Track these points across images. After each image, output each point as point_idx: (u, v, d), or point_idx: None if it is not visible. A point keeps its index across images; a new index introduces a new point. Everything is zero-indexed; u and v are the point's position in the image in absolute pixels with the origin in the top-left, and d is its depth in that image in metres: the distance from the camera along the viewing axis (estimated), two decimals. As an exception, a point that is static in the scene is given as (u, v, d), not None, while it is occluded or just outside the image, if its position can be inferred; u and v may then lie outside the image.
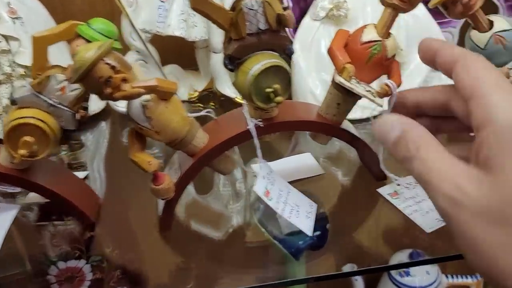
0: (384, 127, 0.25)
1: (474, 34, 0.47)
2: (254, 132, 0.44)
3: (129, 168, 0.61)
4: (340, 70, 0.42)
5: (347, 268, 0.43)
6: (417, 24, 0.65)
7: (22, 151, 0.40)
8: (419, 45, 0.27)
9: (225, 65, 0.41)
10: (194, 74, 0.76)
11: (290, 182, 0.52)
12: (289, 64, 0.40)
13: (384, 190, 0.50)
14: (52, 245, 0.48)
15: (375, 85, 0.45)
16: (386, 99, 0.45)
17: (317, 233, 0.46)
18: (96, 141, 0.71)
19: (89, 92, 0.41)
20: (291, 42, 0.41)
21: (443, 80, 0.68)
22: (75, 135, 0.68)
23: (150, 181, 0.43)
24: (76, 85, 0.42)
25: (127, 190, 0.58)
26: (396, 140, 0.24)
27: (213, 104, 0.75)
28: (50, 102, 0.41)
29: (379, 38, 0.42)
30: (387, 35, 0.43)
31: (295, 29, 0.67)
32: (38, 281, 0.44)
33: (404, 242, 0.48)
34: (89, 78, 0.37)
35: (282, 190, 0.46)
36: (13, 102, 0.41)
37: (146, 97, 0.40)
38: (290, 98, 0.66)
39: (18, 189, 0.49)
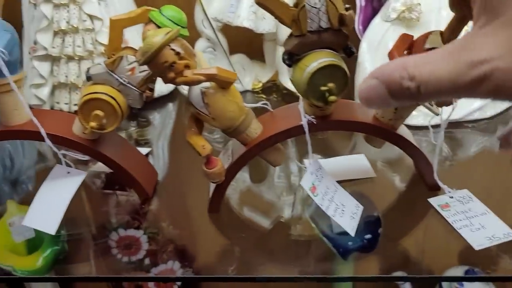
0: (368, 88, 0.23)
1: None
2: (306, 128, 0.45)
3: (190, 149, 0.65)
4: (398, 75, 0.42)
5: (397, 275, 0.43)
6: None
7: (93, 124, 0.44)
8: None
9: (283, 60, 0.41)
10: (260, 65, 0.78)
11: (343, 182, 0.53)
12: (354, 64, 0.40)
13: (435, 201, 0.48)
14: (114, 213, 0.52)
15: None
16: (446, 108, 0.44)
17: (369, 236, 0.46)
18: (162, 121, 0.75)
19: (154, 75, 0.44)
20: (356, 41, 0.41)
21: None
22: (144, 113, 0.73)
23: (203, 164, 0.45)
24: (145, 67, 0.45)
25: (186, 170, 0.60)
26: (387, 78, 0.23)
27: (275, 96, 0.76)
28: (121, 81, 0.44)
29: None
30: (454, 43, 0.42)
31: (364, 29, 0.67)
32: (100, 244, 0.48)
33: (457, 257, 0.46)
34: (154, 62, 0.40)
35: (329, 187, 0.47)
36: (89, 78, 0.45)
37: (206, 84, 0.42)
38: (352, 98, 0.67)
39: (87, 157, 0.54)
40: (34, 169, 0.65)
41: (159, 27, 0.43)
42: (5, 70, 0.42)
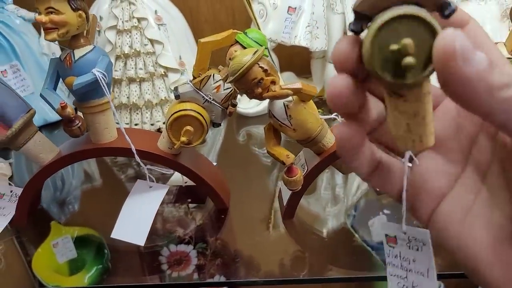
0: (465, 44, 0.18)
1: None
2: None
3: (238, 164, 0.67)
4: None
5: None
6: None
7: (183, 138, 0.47)
8: None
9: (349, 26, 0.24)
10: (307, 82, 0.82)
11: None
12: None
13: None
14: (167, 228, 0.55)
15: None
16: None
17: None
18: (213, 137, 0.78)
19: (241, 92, 0.47)
20: None
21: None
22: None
23: (283, 172, 0.48)
24: (228, 85, 0.48)
25: (233, 184, 0.62)
26: (489, 63, 0.18)
27: (321, 110, 0.79)
28: (207, 98, 0.48)
29: (510, 56, 0.45)
30: (517, 53, 0.45)
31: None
32: (150, 260, 0.50)
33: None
34: (244, 79, 0.43)
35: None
36: (177, 96, 0.48)
37: (289, 98, 0.46)
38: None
39: (170, 171, 0.57)
40: (80, 190, 0.67)
41: (244, 47, 0.47)
42: (106, 91, 0.46)
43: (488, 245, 0.22)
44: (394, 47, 0.21)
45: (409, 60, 0.20)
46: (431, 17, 0.20)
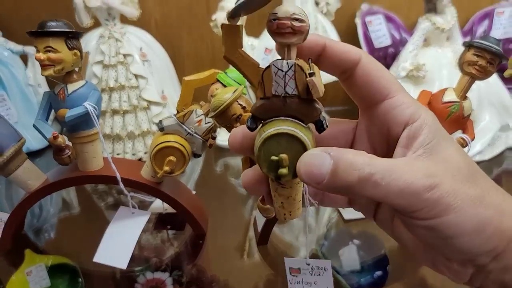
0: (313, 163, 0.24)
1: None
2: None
3: (215, 193, 0.69)
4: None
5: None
6: (488, 89, 0.73)
7: (166, 168, 0.51)
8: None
9: (246, 123, 0.32)
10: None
11: (353, 220, 0.60)
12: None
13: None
14: (145, 255, 0.57)
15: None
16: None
17: (379, 272, 0.52)
18: (192, 167, 0.82)
19: (221, 126, 0.52)
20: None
21: (510, 138, 0.76)
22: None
23: (259, 200, 0.52)
24: (209, 119, 0.53)
25: (210, 213, 0.64)
26: (334, 169, 0.23)
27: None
28: (189, 131, 0.52)
29: (458, 100, 0.51)
30: (464, 97, 0.51)
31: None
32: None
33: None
34: (224, 115, 0.48)
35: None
36: (161, 129, 0.52)
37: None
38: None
39: (150, 199, 0.60)
40: (57, 218, 0.69)
41: (224, 85, 0.52)
42: (97, 123, 0.49)
43: (411, 240, 0.27)
44: (274, 158, 0.27)
45: (282, 171, 0.26)
46: (303, 135, 0.26)
